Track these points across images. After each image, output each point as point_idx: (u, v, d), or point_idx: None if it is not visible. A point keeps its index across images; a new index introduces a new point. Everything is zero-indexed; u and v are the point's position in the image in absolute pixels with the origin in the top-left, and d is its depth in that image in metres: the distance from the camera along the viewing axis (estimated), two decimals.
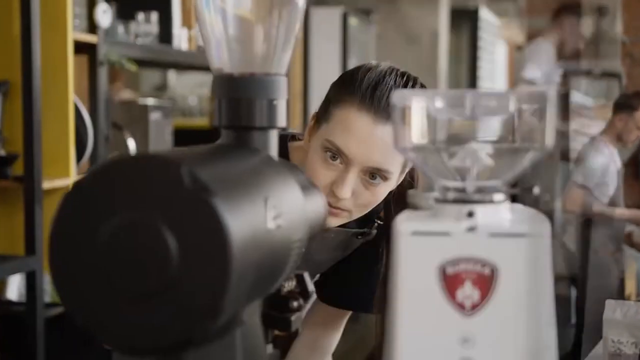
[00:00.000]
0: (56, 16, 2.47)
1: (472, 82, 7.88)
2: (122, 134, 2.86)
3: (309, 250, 0.77)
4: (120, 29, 2.91)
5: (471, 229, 0.64)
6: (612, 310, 2.03)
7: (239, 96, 0.76)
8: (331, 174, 1.24)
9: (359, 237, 1.40)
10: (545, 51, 4.30)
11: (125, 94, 4.09)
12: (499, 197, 0.67)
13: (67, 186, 2.51)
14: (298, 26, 0.79)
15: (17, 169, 2.41)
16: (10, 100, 2.45)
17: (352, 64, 6.22)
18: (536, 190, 0.68)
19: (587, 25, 4.50)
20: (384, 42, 5.83)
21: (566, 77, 6.16)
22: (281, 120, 0.77)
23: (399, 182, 1.32)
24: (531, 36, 9.92)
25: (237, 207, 0.61)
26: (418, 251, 0.65)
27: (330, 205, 1.24)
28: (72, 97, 2.49)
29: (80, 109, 2.56)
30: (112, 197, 0.60)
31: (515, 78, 9.34)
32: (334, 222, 1.27)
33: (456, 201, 0.67)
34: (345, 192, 1.22)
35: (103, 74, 2.64)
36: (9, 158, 2.38)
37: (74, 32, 2.54)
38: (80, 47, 2.62)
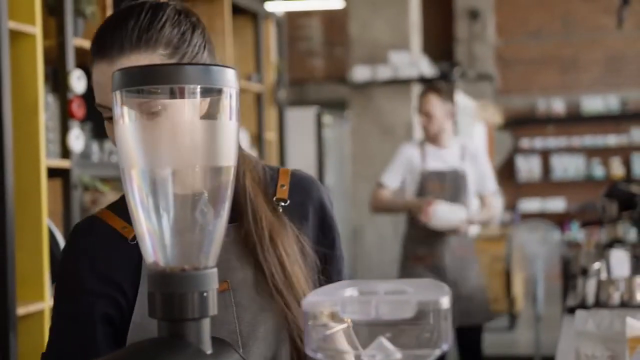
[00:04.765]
0: (30, 144, 2.55)
1: None
2: None
3: None
4: (95, 147, 3.00)
5: None
6: (584, 320, 1.85)
7: (172, 291, 0.82)
8: None
9: None
10: (402, 158, 4.14)
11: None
12: None
13: (42, 311, 2.55)
14: (224, 223, 0.85)
15: None
16: None
17: (327, 160, 6.36)
18: None
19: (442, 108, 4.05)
20: (359, 134, 5.96)
21: None
22: (212, 309, 0.83)
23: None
24: (507, 115, 10.17)
25: None
26: None
27: None
28: (45, 223, 2.55)
29: (54, 232, 2.62)
30: None
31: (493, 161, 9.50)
32: None
33: None
34: None
35: (76, 196, 2.71)
36: None
37: (47, 159, 2.62)
38: (54, 172, 2.69)
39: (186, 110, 0.85)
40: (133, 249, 1.22)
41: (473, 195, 4.14)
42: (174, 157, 0.83)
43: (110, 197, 3.55)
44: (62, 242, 2.64)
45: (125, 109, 0.83)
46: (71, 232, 1.30)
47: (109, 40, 1.18)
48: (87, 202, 3.55)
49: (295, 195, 1.32)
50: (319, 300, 0.75)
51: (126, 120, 0.83)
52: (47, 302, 2.57)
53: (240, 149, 1.30)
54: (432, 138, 4.04)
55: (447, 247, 4.00)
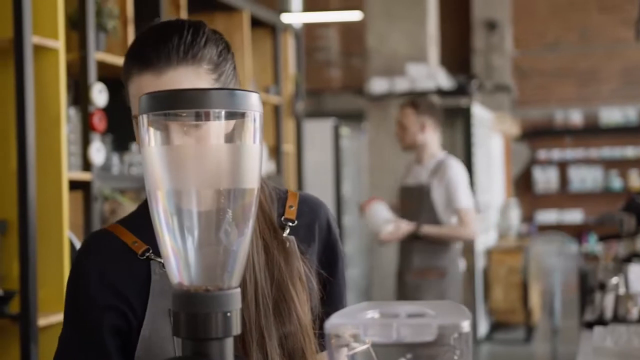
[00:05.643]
0: (52, 157, 2.58)
1: (469, 176, 7.97)
2: None
3: None
4: (115, 160, 3.03)
5: None
6: (602, 337, 1.87)
7: (196, 311, 0.83)
8: None
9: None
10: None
11: None
12: None
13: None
14: (248, 243, 0.87)
15: (14, 306, 2.48)
16: (7, 238, 2.55)
17: (344, 171, 6.40)
18: None
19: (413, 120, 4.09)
20: (377, 146, 5.97)
21: None
22: (236, 329, 0.85)
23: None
24: (525, 126, 10.15)
25: None
26: None
27: None
28: (66, 235, 2.58)
29: (75, 244, 2.65)
30: None
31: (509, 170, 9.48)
32: None
33: None
34: None
35: (97, 209, 2.74)
36: (6, 296, 2.46)
37: (69, 172, 2.65)
38: (75, 184, 2.73)
39: (211, 133, 0.86)
40: (143, 264, 1.23)
41: (446, 209, 4.04)
42: (199, 179, 0.85)
43: (128, 208, 3.59)
44: None
45: (152, 132, 0.85)
46: (82, 244, 1.31)
47: (153, 53, 1.19)
48: (107, 211, 3.58)
49: (303, 216, 1.33)
50: (341, 323, 0.76)
51: (152, 143, 0.85)
52: None
53: None
54: (413, 152, 4.14)
55: (408, 265, 4.02)
